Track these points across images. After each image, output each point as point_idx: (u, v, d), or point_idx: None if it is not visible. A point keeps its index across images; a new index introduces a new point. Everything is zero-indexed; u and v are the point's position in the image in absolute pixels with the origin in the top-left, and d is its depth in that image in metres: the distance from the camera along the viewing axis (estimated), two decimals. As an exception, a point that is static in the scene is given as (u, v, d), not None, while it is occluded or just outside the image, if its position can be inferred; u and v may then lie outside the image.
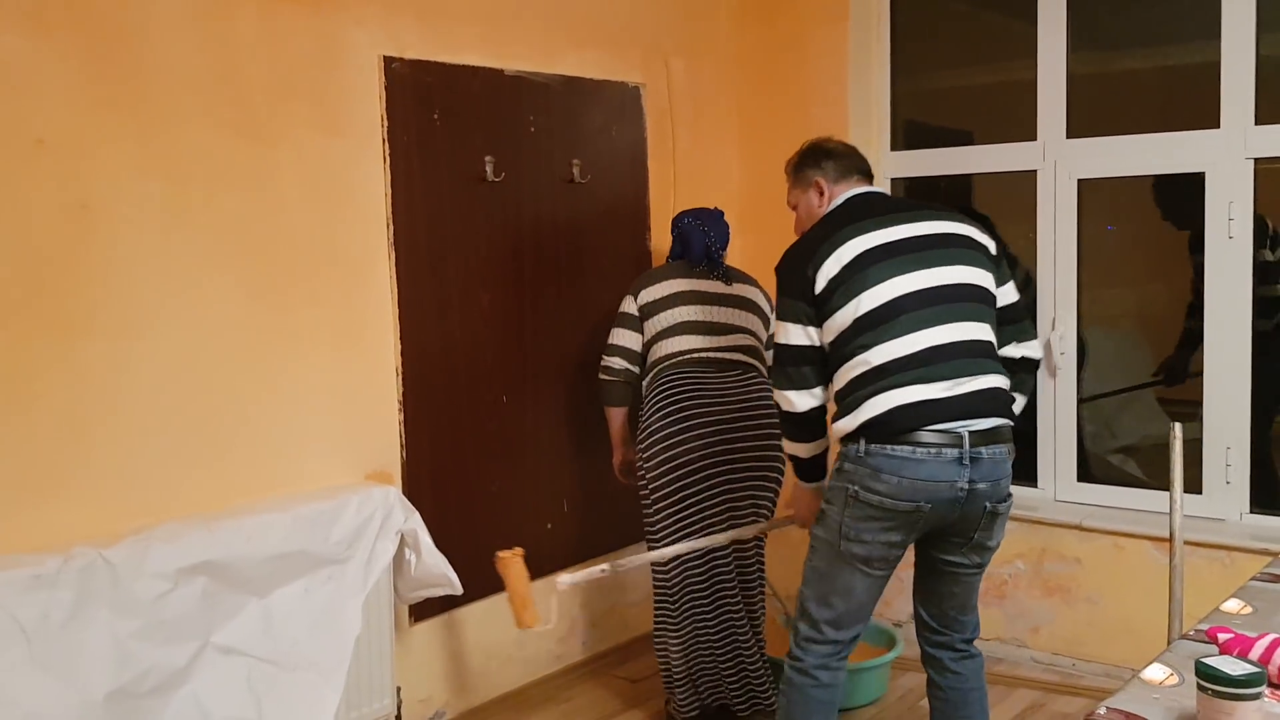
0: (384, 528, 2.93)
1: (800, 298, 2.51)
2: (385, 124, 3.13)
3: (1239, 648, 1.80)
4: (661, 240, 3.97)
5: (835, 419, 2.48)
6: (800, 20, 4.17)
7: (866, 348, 2.41)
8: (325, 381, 3.04)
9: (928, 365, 2.39)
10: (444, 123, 3.28)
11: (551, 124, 3.59)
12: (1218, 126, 3.45)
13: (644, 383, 3.27)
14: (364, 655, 2.92)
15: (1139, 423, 4.19)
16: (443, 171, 3.29)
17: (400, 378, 3.21)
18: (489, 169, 3.39)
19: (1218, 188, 3.46)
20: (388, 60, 3.13)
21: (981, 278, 2.52)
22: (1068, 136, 3.73)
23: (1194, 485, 3.45)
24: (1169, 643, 2.37)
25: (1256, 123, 3.39)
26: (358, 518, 2.88)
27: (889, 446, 2.37)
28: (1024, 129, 3.82)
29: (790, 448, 2.67)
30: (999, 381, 2.47)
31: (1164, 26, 3.91)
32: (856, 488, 2.40)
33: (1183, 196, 3.90)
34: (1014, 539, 3.78)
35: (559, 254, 3.65)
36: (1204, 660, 1.61)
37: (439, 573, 3.05)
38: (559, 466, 3.67)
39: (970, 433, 2.36)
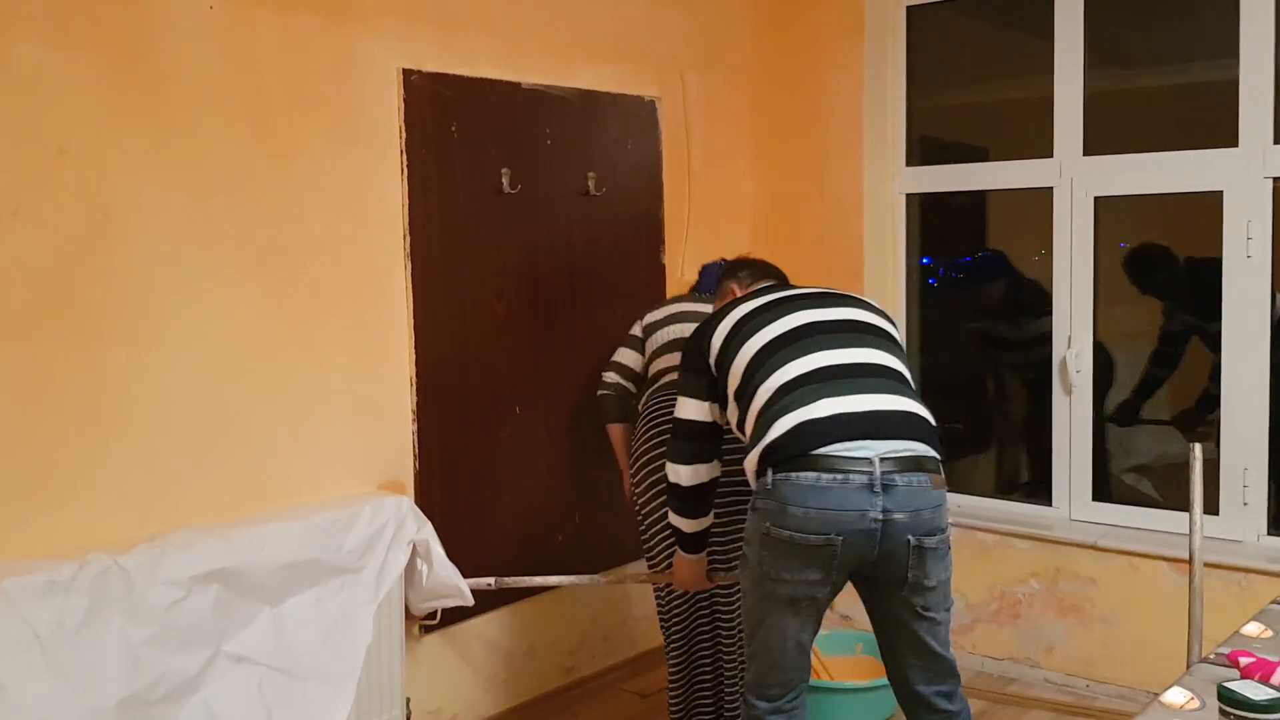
0: (396, 538, 2.93)
1: (696, 371, 2.55)
2: (403, 136, 3.14)
3: (1260, 672, 1.78)
4: (675, 253, 3.97)
5: (746, 455, 2.38)
6: (815, 34, 4.18)
7: (769, 373, 2.36)
8: (340, 391, 3.04)
9: (832, 380, 2.31)
10: (461, 135, 3.29)
11: (567, 137, 3.60)
12: (1236, 145, 3.44)
13: (639, 405, 3.27)
14: (374, 665, 2.92)
15: (1153, 442, 4.18)
16: (459, 183, 3.30)
17: (414, 388, 3.21)
18: (505, 181, 3.39)
19: (1236, 207, 3.44)
20: (406, 73, 3.14)
21: (880, 321, 2.52)
22: (1084, 154, 3.72)
23: (1211, 506, 3.41)
24: (1188, 666, 2.35)
25: (1276, 141, 3.37)
26: (370, 527, 2.88)
27: (793, 475, 2.23)
28: (1040, 146, 3.81)
29: (674, 519, 2.70)
30: (914, 406, 2.35)
31: (1182, 44, 3.91)
32: (768, 524, 2.27)
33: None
34: (1028, 557, 3.76)
35: (573, 266, 3.65)
36: (1226, 685, 1.60)
37: (451, 584, 3.04)
38: (571, 478, 3.67)
39: (881, 458, 2.22)
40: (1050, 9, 3.73)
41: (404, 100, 3.14)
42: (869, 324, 2.49)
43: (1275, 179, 3.38)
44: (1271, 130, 3.38)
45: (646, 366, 3.29)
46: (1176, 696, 1.78)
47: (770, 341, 2.41)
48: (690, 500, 2.64)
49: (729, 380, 2.46)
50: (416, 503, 3.11)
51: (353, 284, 3.06)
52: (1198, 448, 2.64)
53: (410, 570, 3.02)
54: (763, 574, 2.31)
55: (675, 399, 3.00)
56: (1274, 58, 3.36)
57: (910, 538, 2.24)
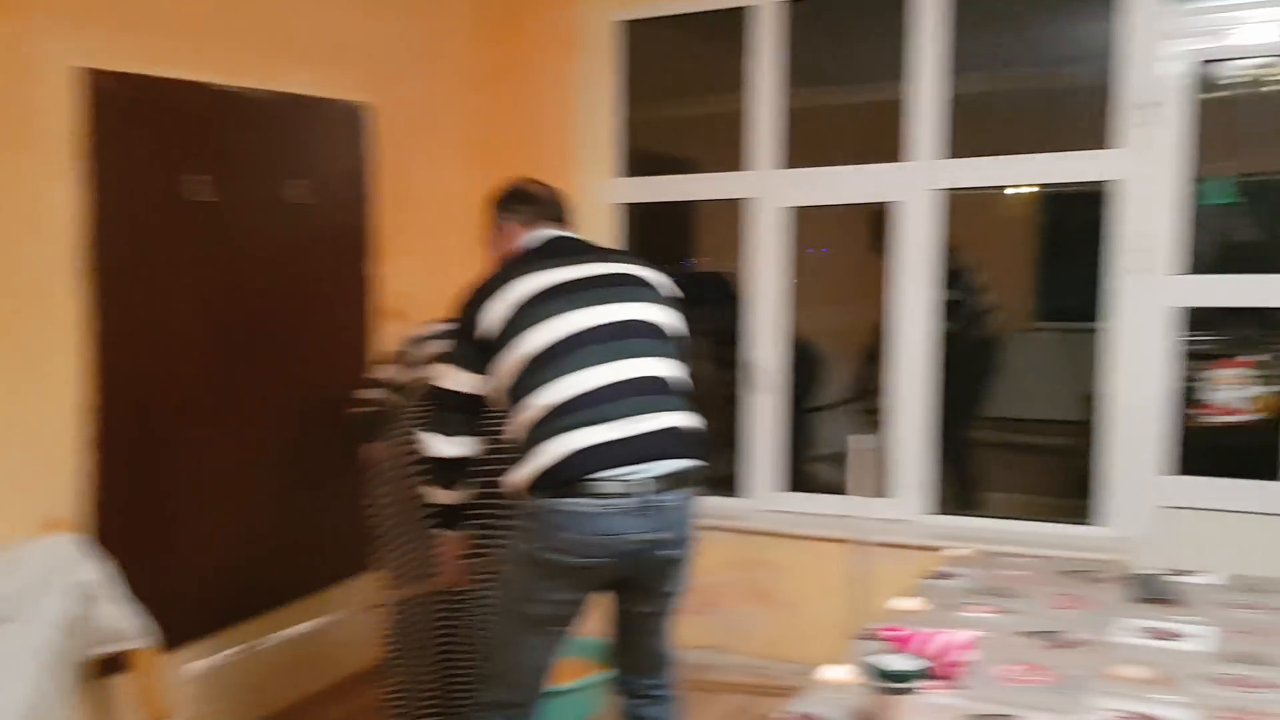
0: (62, 581, 2.68)
1: (466, 341, 2.47)
2: (80, 140, 2.90)
3: (911, 643, 1.96)
4: (383, 263, 3.89)
5: (511, 471, 2.38)
6: (532, 46, 4.22)
7: (536, 388, 2.33)
8: (-4, 423, 2.76)
9: (601, 405, 2.31)
10: (148, 139, 3.08)
11: (268, 142, 3.46)
12: (908, 160, 3.75)
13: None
14: (40, 717, 2.63)
15: (841, 432, 4.51)
16: (148, 191, 3.08)
17: (99, 415, 2.96)
18: (199, 188, 3.21)
19: (909, 216, 3.76)
20: (83, 72, 2.91)
21: (657, 314, 2.50)
22: (784, 166, 3.95)
23: (886, 490, 3.72)
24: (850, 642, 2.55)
25: (944, 157, 3.69)
26: (32, 572, 2.63)
27: (563, 501, 2.26)
28: (742, 159, 4.01)
29: (435, 495, 2.61)
30: (681, 420, 2.38)
31: (864, 66, 4.22)
32: (533, 546, 2.30)
33: (889, 228, 4.31)
34: (722, 548, 3.90)
35: (275, 277, 3.49)
36: (868, 659, 1.76)
37: (126, 625, 2.83)
38: (279, 500, 3.50)
39: (649, 478, 2.28)
40: (745, 28, 3.92)
41: (80, 101, 2.90)
42: (645, 324, 2.46)
43: (951, 190, 3.70)
44: (940, 146, 3.69)
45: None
46: (834, 672, 1.95)
47: (545, 349, 2.35)
48: (449, 471, 2.55)
49: (500, 368, 2.40)
50: (94, 539, 2.87)
51: (8, 304, 2.78)
52: (852, 439, 2.88)
53: (80, 614, 2.74)
54: (522, 594, 2.34)
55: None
56: (946, 80, 3.65)
57: (669, 552, 2.36)
